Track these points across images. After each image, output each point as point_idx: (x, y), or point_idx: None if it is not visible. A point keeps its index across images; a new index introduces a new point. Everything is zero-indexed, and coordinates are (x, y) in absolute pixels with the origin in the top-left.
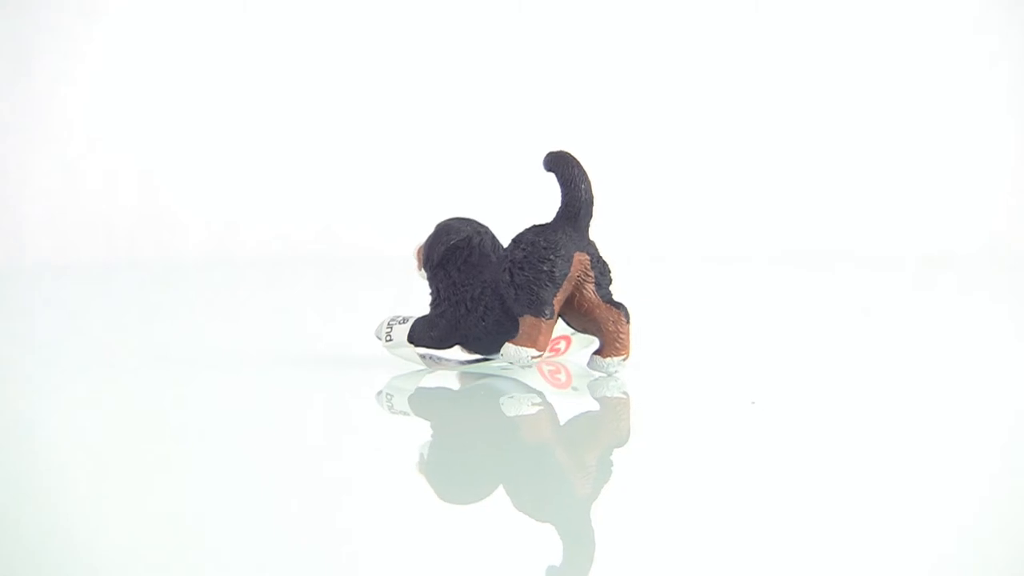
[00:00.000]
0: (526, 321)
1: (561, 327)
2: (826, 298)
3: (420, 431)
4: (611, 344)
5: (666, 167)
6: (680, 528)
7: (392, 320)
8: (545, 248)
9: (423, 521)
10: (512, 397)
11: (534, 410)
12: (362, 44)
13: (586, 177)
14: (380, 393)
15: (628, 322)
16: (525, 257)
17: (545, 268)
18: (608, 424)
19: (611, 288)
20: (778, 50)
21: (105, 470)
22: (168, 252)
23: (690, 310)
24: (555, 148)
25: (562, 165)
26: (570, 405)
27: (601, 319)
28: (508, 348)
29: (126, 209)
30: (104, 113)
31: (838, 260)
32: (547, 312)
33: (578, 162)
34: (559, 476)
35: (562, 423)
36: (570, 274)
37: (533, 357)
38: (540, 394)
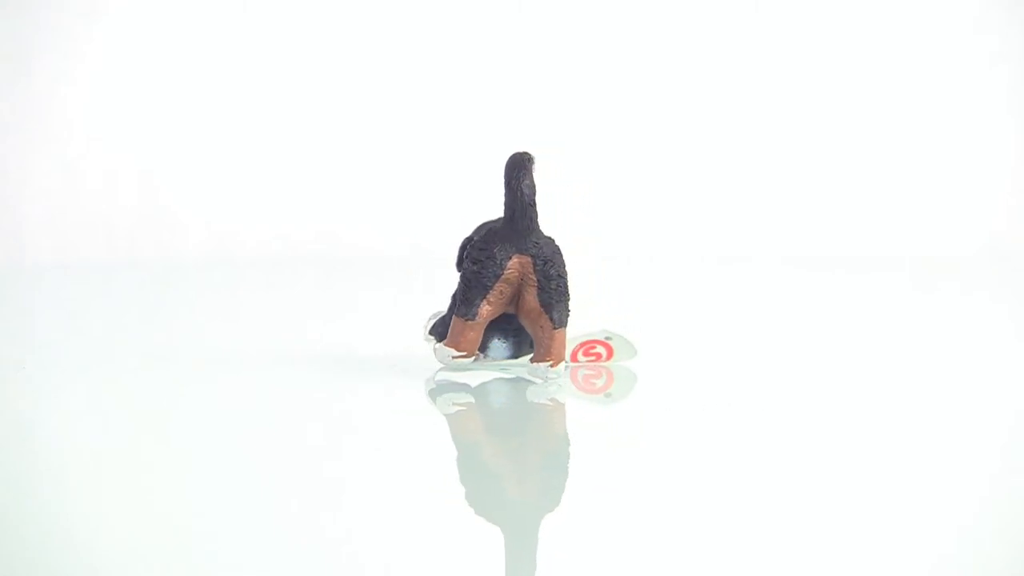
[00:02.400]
0: (453, 321)
1: (593, 334)
2: (826, 299)
3: (421, 431)
4: (537, 350)
5: (667, 169)
6: (677, 527)
7: (434, 315)
8: (480, 250)
9: (423, 522)
10: (442, 396)
11: (454, 410)
12: (362, 45)
13: (526, 179)
14: (431, 391)
15: (556, 328)
16: (466, 257)
17: (475, 269)
18: (540, 428)
19: (565, 290)
20: (779, 51)
21: (105, 469)
22: (168, 252)
23: (690, 311)
24: (520, 150)
25: (507, 167)
26: (509, 408)
27: (533, 323)
28: (437, 348)
29: (126, 209)
30: (104, 113)
31: (838, 261)
32: (470, 313)
33: (523, 164)
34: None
35: (494, 423)
36: (506, 276)
37: (454, 357)
38: (529, 390)
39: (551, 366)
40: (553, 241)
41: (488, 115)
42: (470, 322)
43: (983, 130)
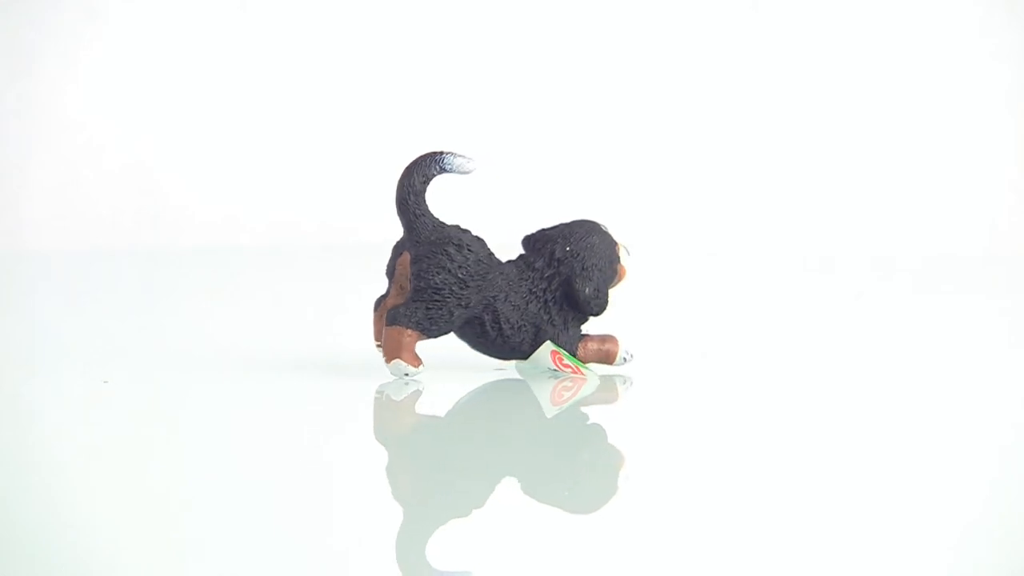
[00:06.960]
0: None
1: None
2: (826, 299)
3: (421, 429)
4: None
5: (667, 168)
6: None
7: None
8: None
9: (422, 522)
10: (431, 393)
11: (445, 407)
12: (361, 40)
13: (401, 179)
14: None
15: (388, 324)
16: None
17: (387, 268)
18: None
19: (425, 291)
20: (779, 50)
21: (102, 462)
22: (167, 244)
23: (687, 310)
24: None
25: None
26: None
27: None
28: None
29: (125, 204)
30: (105, 106)
31: (838, 260)
32: (375, 304)
33: (412, 163)
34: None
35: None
36: (397, 273)
37: (376, 346)
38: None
39: (386, 361)
40: (439, 244)
41: (488, 113)
42: (375, 312)
43: (984, 130)
